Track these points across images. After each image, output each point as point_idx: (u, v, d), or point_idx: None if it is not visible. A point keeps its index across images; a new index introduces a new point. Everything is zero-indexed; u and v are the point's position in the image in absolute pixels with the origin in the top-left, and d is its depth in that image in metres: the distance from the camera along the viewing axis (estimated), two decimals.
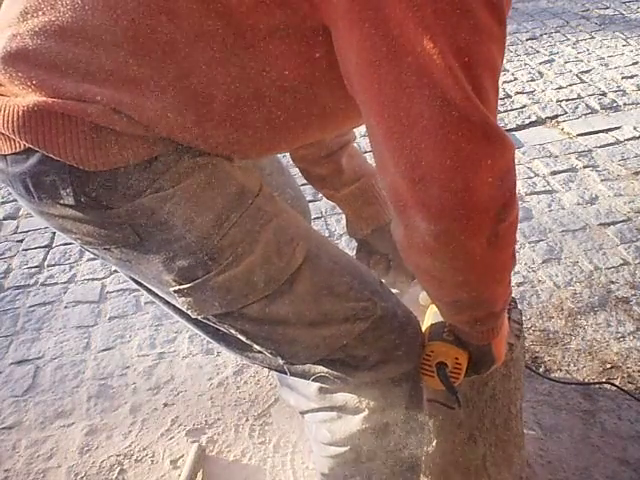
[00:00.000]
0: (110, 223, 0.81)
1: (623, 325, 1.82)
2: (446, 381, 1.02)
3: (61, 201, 0.79)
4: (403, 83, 0.69)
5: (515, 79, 3.21)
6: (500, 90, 3.09)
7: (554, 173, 2.51)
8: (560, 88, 3.09)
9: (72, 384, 1.83)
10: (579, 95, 3.02)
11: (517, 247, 2.14)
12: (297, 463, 1.55)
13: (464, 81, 0.68)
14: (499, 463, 1.32)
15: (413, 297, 1.23)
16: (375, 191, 1.28)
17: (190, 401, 1.74)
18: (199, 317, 0.90)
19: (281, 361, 0.95)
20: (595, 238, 2.16)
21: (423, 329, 1.06)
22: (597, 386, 1.65)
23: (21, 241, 2.46)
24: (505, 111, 2.94)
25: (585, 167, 2.52)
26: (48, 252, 2.39)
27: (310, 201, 2.40)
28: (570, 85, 3.11)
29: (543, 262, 2.09)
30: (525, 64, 3.35)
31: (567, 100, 2.99)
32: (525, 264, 2.08)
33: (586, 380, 1.67)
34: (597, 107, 2.90)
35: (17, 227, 2.56)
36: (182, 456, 1.59)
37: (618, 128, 2.74)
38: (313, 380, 0.98)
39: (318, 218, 2.39)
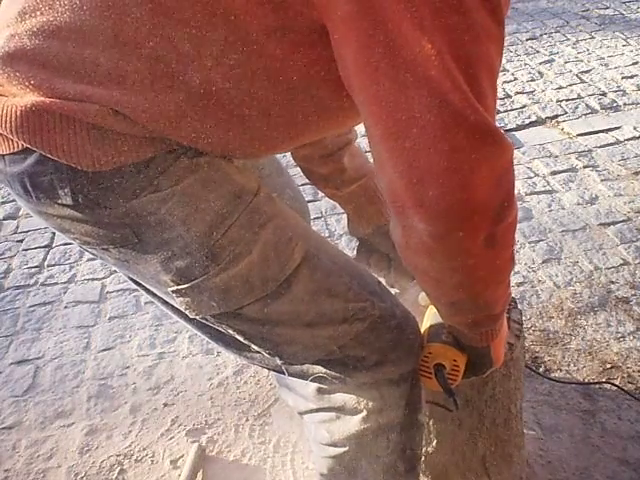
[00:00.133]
0: (108, 223, 0.81)
1: (623, 325, 1.82)
2: (444, 383, 1.02)
3: (59, 201, 0.79)
4: (401, 84, 0.68)
5: (515, 79, 3.21)
6: (500, 90, 3.09)
7: (554, 173, 2.51)
8: (560, 88, 3.09)
9: (72, 384, 1.83)
10: (579, 95, 3.02)
11: (517, 247, 2.14)
12: (297, 463, 1.55)
13: (462, 82, 0.68)
14: (499, 463, 1.32)
15: (413, 297, 1.23)
16: (377, 190, 1.28)
17: (190, 401, 1.74)
18: (197, 317, 0.90)
19: (279, 361, 0.95)
20: (595, 238, 2.16)
21: (422, 330, 1.06)
22: (597, 386, 1.65)
23: (21, 241, 2.46)
24: (505, 111, 2.94)
25: (585, 167, 2.52)
26: (48, 252, 2.39)
27: (310, 201, 2.41)
28: (570, 85, 3.11)
29: (543, 262, 2.08)
30: (525, 64, 3.35)
31: (567, 100, 2.99)
32: (525, 264, 2.08)
33: (586, 380, 1.67)
34: (597, 107, 2.90)
35: (17, 227, 2.56)
36: (182, 456, 1.59)
37: (618, 128, 2.74)
38: (311, 380, 0.98)
39: (318, 218, 2.39)
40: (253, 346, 0.94)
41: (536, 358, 1.75)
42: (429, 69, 0.67)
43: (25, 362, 1.92)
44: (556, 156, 2.60)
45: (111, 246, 0.84)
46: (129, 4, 0.73)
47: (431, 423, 1.26)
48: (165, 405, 1.74)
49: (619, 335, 1.79)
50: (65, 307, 2.12)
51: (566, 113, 2.89)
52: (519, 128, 2.81)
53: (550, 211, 2.31)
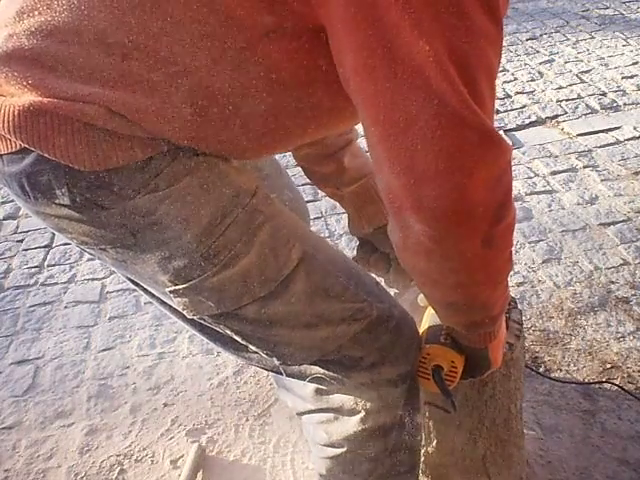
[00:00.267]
0: (105, 223, 0.81)
1: (623, 325, 1.82)
2: (441, 385, 1.02)
3: (57, 201, 0.79)
4: (399, 85, 0.68)
5: (515, 79, 3.21)
6: (500, 90, 3.09)
7: (554, 173, 2.51)
8: (560, 88, 3.09)
9: (72, 384, 1.83)
10: (579, 95, 3.01)
11: (517, 247, 2.14)
12: (297, 463, 1.55)
13: (460, 84, 0.68)
14: (499, 463, 1.32)
15: (412, 297, 1.22)
16: (377, 190, 1.28)
17: (190, 401, 1.74)
18: (195, 317, 0.90)
19: (277, 362, 0.95)
20: (595, 238, 2.16)
21: (421, 331, 1.06)
22: (597, 386, 1.65)
23: (21, 241, 2.46)
24: (505, 111, 2.94)
25: (585, 167, 2.52)
26: (48, 252, 2.39)
27: (310, 201, 2.41)
28: (570, 85, 3.10)
29: (543, 262, 2.08)
30: (525, 64, 3.35)
31: (567, 100, 2.98)
32: (525, 264, 2.08)
33: (586, 380, 1.67)
34: (597, 107, 2.90)
35: (17, 227, 2.56)
36: (182, 456, 1.59)
37: (618, 128, 2.74)
38: (309, 381, 0.98)
39: (318, 218, 2.39)
40: (251, 346, 0.94)
41: (536, 358, 1.75)
42: (427, 71, 0.67)
43: (25, 362, 1.92)
44: (556, 156, 2.60)
45: (109, 246, 0.84)
46: (127, 5, 0.73)
47: (431, 423, 1.26)
48: (165, 405, 1.74)
49: (619, 335, 1.79)
50: (65, 307, 2.12)
51: (566, 113, 2.89)
52: (519, 128, 2.81)
53: (550, 211, 2.30)
